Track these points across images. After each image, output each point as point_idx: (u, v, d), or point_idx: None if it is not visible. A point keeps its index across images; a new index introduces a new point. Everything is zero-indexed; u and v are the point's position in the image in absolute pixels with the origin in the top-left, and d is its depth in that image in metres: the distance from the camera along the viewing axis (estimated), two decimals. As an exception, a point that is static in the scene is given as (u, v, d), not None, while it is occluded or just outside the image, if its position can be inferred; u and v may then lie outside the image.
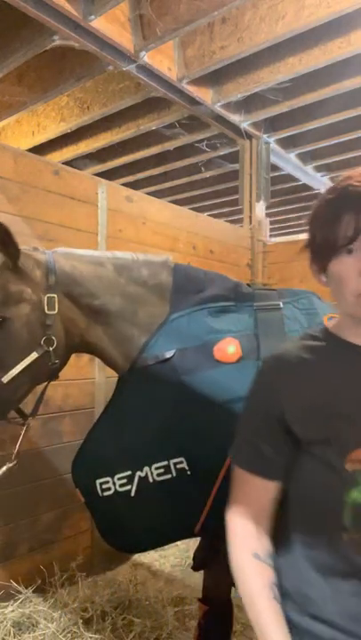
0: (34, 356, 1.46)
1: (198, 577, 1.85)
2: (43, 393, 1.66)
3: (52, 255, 1.57)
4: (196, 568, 1.73)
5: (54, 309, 1.50)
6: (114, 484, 1.44)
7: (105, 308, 1.57)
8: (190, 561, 1.91)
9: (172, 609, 2.40)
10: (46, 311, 1.49)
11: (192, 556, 1.75)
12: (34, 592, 2.43)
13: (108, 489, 1.44)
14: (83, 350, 1.65)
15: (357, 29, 3.28)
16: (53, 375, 1.60)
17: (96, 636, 2.15)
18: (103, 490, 1.45)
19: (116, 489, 1.43)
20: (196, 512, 1.40)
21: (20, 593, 2.40)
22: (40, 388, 1.66)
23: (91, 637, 2.14)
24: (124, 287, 1.58)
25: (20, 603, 2.34)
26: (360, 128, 4.51)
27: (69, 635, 2.16)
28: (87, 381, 2.79)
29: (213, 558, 1.63)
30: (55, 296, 1.51)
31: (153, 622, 2.28)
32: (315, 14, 3.04)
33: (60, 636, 2.13)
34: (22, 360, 1.45)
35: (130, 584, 2.61)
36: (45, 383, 1.65)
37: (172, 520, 1.46)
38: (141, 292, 1.58)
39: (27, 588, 2.43)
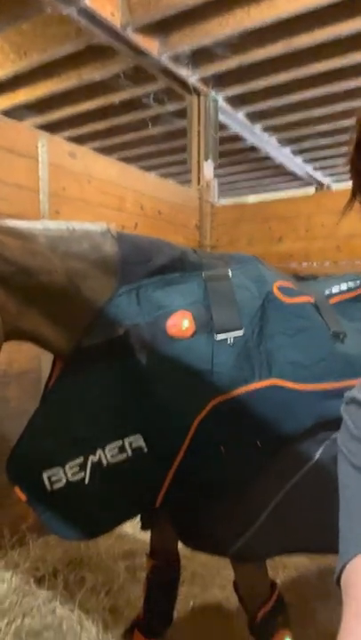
0: None
1: (148, 531, 1.91)
2: None
3: None
4: (144, 527, 1.78)
5: None
6: (65, 474, 1.35)
7: (42, 288, 1.37)
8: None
9: (123, 563, 2.48)
10: None
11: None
12: (-17, 556, 2.43)
13: (59, 480, 1.35)
14: (14, 338, 1.44)
15: (307, -17, 3.21)
16: None
17: (48, 593, 2.19)
18: (53, 482, 1.36)
19: (67, 479, 1.35)
20: (155, 487, 1.38)
21: (-31, 557, 2.39)
22: None
23: (43, 594, 2.18)
24: (62, 262, 1.39)
25: (-30, 567, 2.34)
26: (308, 88, 4.50)
27: (21, 593, 2.19)
28: (32, 345, 2.73)
29: (160, 517, 1.67)
30: None
31: (104, 577, 2.35)
32: (264, -36, 2.93)
33: (12, 595, 2.15)
34: None
35: (81, 542, 2.66)
36: None
37: (131, 499, 1.42)
38: (83, 267, 1.42)
39: (-24, 552, 2.43)
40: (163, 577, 1.89)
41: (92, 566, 2.44)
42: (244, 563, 1.54)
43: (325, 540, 1.24)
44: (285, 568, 2.48)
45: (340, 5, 3.34)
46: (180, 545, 1.80)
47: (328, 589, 2.29)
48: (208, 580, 2.40)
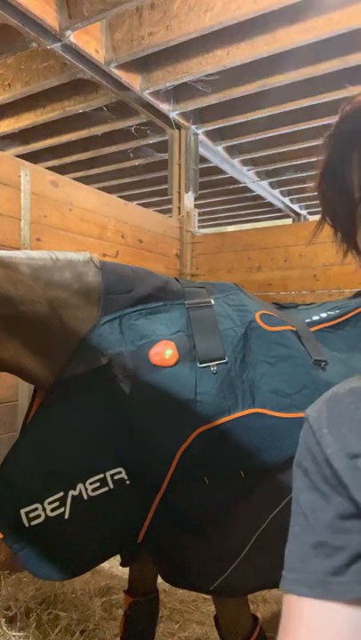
0: None
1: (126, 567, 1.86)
2: None
3: None
4: (124, 564, 1.72)
5: None
6: (44, 509, 1.30)
7: (23, 317, 1.35)
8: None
9: (98, 600, 2.39)
10: None
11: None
12: None
13: (38, 516, 1.30)
14: None
15: (282, 27, 3.37)
16: None
17: (20, 634, 2.09)
18: (31, 519, 1.31)
19: (47, 514, 1.30)
20: (137, 521, 1.34)
21: None
22: None
23: (14, 636, 2.08)
24: (45, 292, 1.38)
25: None
26: (283, 125, 4.67)
27: (-9, 635, 2.08)
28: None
29: (141, 553, 1.62)
30: None
31: (79, 615, 2.26)
32: (242, 8, 3.08)
33: (-18, 638, 2.05)
34: None
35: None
36: None
37: (113, 534, 1.38)
38: (66, 296, 1.41)
39: None
40: (141, 614, 1.82)
41: (66, 604, 2.35)
42: (225, 598, 1.50)
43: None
44: (266, 602, 2.42)
45: (313, 48, 3.52)
46: (158, 580, 1.75)
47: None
48: (187, 616, 2.33)
